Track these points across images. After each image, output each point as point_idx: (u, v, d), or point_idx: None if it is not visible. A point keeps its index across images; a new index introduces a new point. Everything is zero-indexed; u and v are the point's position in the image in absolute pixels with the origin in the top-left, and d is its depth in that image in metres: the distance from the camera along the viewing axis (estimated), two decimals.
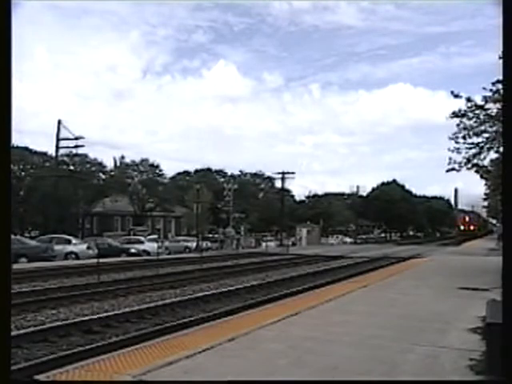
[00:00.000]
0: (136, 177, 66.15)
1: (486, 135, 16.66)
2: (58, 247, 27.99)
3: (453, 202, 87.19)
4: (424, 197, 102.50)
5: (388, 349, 5.64)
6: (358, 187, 78.20)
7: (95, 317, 9.76)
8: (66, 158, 51.39)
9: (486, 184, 25.57)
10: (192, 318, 9.56)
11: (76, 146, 40.31)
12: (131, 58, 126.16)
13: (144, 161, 66.37)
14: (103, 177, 67.21)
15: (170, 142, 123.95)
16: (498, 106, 15.14)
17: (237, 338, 6.01)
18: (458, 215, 79.90)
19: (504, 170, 3.95)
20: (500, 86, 13.94)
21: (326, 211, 79.96)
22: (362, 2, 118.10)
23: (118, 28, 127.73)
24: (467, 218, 75.54)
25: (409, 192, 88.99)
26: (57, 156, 42.10)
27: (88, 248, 29.78)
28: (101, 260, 20.68)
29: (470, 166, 17.08)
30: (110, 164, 65.86)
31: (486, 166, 17.57)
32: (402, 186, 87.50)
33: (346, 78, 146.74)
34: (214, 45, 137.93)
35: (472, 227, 73.76)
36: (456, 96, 16.54)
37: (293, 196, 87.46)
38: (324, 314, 8.01)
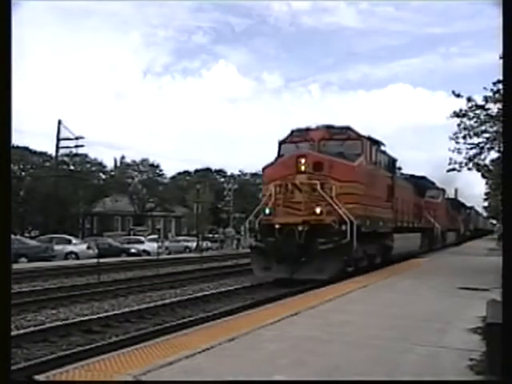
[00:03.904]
0: (136, 177, 66.23)
1: (487, 135, 16.62)
2: (58, 247, 28.04)
3: None
4: None
5: (388, 349, 5.63)
6: None
7: (95, 317, 9.77)
8: (66, 158, 51.44)
9: (486, 183, 25.57)
10: (192, 318, 9.55)
11: (76, 146, 40.37)
12: (132, 58, 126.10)
13: (144, 161, 66.46)
14: (103, 177, 67.29)
15: (169, 142, 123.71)
16: (499, 106, 15.11)
17: (237, 338, 6.00)
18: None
19: (504, 169, 3.95)
20: (500, 86, 13.91)
21: None
22: (361, 3, 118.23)
23: (119, 29, 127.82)
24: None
25: None
26: (57, 156, 42.11)
27: (88, 248, 29.82)
28: (101, 260, 20.70)
29: (470, 165, 17.05)
30: (110, 164, 66.07)
31: (487, 166, 17.53)
32: None
33: (346, 78, 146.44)
34: (215, 45, 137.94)
35: None
36: (457, 96, 16.50)
37: None
38: (324, 313, 7.99)
